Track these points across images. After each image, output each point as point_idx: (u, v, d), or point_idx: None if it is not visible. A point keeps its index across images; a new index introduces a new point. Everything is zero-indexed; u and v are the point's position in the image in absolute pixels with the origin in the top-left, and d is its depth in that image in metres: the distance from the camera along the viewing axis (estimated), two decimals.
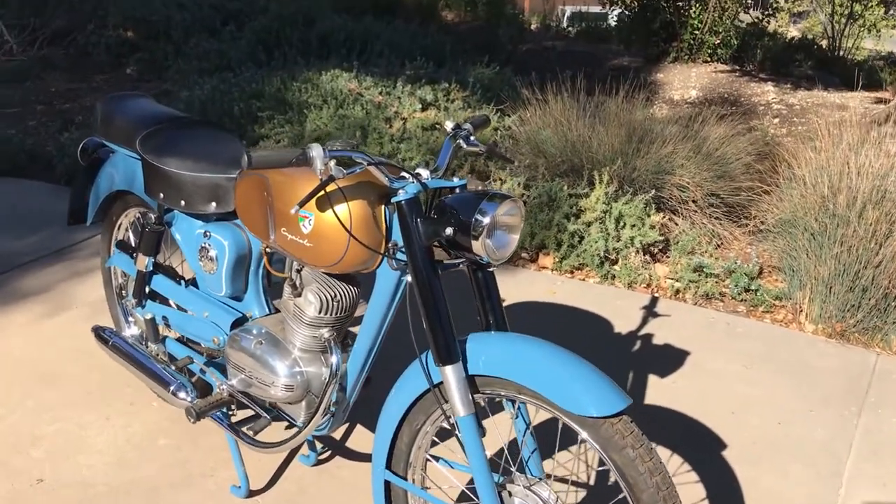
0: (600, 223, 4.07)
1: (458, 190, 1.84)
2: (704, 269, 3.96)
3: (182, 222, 2.38)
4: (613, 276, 4.00)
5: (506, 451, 1.96)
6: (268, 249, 2.15)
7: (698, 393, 3.03)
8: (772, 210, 4.09)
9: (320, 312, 2.02)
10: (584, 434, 1.64)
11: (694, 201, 4.27)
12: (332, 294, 2.02)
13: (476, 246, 1.67)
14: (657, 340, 3.41)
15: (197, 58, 6.75)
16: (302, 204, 1.65)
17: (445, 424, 1.86)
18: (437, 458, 1.97)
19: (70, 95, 6.97)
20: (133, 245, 2.61)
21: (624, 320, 3.54)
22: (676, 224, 4.33)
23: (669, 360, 3.27)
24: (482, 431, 1.76)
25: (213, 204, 2.21)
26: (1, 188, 4.79)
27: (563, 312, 3.60)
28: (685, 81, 9.05)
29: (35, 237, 3.99)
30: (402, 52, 6.36)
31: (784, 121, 7.56)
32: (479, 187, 1.79)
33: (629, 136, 4.54)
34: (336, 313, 2.04)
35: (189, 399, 2.31)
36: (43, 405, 2.77)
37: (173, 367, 2.30)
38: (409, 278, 1.77)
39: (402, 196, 1.74)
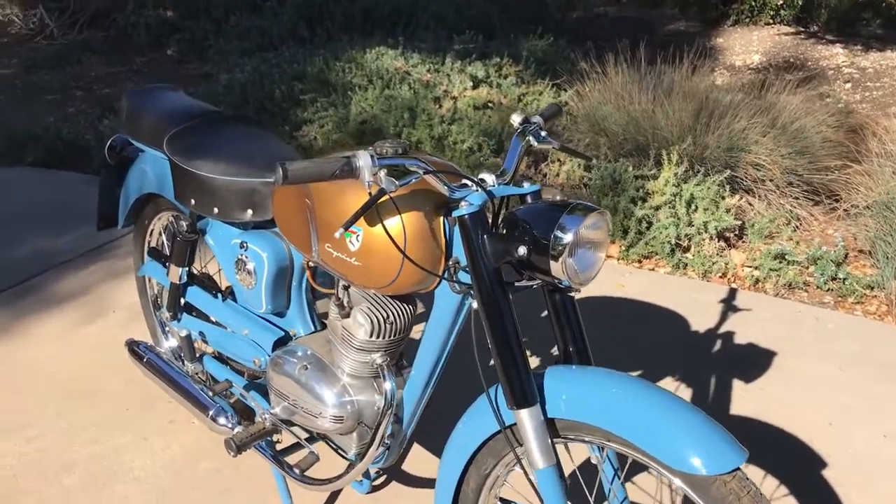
0: (670, 207, 3.76)
1: (529, 198, 1.57)
2: (786, 257, 3.63)
3: (216, 230, 2.14)
4: (685, 265, 3.68)
5: (591, 502, 1.69)
6: (310, 263, 1.91)
7: (790, 401, 2.72)
8: (861, 190, 3.72)
9: (371, 336, 1.77)
10: (690, 493, 1.37)
11: (771, 180, 3.92)
12: (385, 315, 1.76)
13: (555, 268, 1.40)
14: (740, 339, 3.10)
15: (237, 37, 6.52)
16: (347, 226, 1.39)
17: (519, 469, 1.60)
18: (509, 503, 1.72)
19: (110, 80, 6.80)
20: (166, 253, 2.38)
21: (701, 317, 3.24)
22: (752, 206, 3.98)
23: (755, 362, 2.96)
24: (564, 484, 1.50)
25: (250, 211, 1.97)
26: (38, 180, 4.63)
27: (634, 310, 3.30)
28: (747, 46, 8.58)
29: (72, 234, 3.81)
30: (448, 24, 6.04)
31: (857, 85, 7.09)
32: (556, 195, 1.50)
33: (697, 110, 4.20)
34: (389, 336, 1.78)
35: (229, 425, 2.09)
36: (77, 425, 2.58)
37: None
38: (473, 303, 1.51)
39: (464, 209, 1.48)
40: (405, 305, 1.80)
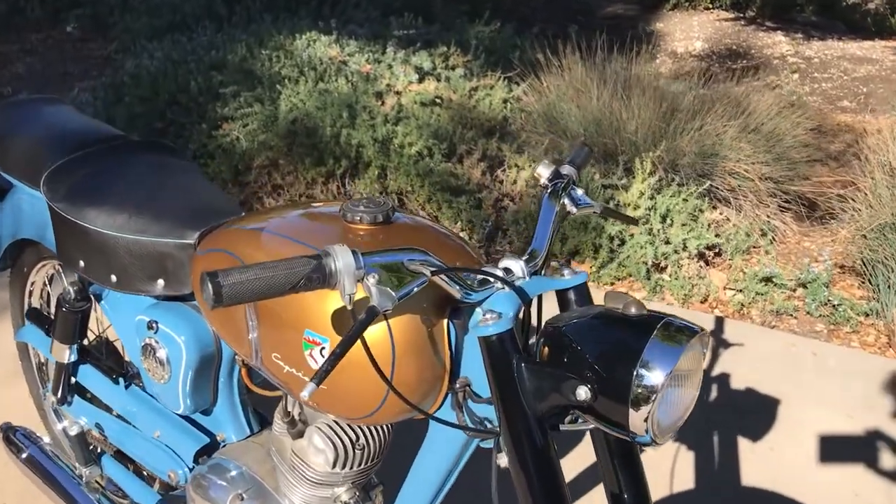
0: (644, 223, 3.35)
1: (573, 294, 1.10)
2: (773, 280, 3.26)
3: (116, 299, 1.61)
4: (662, 288, 3.29)
5: None
6: (245, 361, 1.40)
7: (804, 462, 2.35)
8: (861, 209, 3.36)
9: (334, 466, 1.28)
10: None
11: (752, 191, 3.55)
12: (352, 437, 1.28)
13: (635, 420, 0.94)
14: (736, 384, 2.71)
15: (146, 13, 5.83)
16: (322, 376, 0.90)
17: None
18: None
19: None
20: (50, 317, 1.83)
21: None
22: (728, 219, 3.61)
23: (756, 412, 2.58)
24: None
25: (161, 283, 1.45)
26: None
27: None
28: (687, 32, 8.29)
29: None
30: (382, 5, 5.50)
31: (805, 76, 6.85)
32: (620, 302, 1.03)
33: (664, 109, 3.79)
34: (358, 465, 1.30)
35: None
36: None
37: None
38: (501, 460, 1.04)
39: (490, 327, 1.00)
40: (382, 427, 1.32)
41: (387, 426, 1.32)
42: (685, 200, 3.40)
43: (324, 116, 3.63)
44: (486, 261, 1.17)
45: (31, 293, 1.95)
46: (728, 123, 3.73)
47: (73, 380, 1.79)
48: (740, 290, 3.30)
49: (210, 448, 1.54)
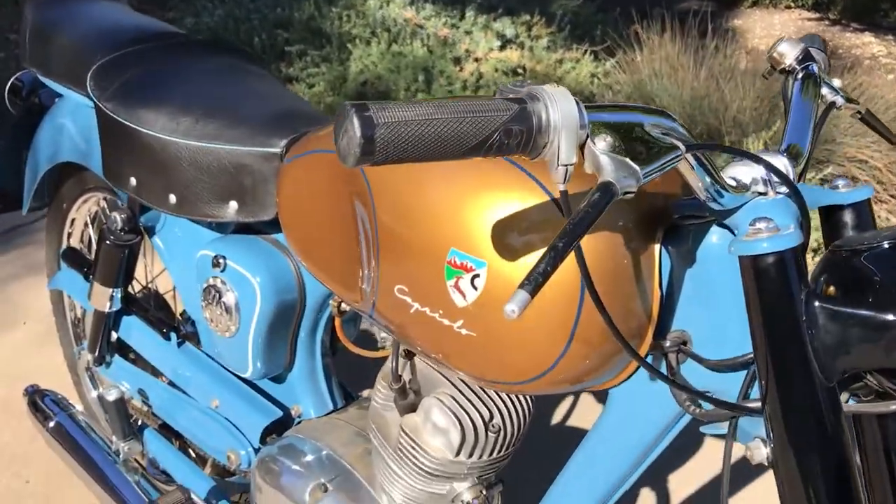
0: None
1: (848, 215, 0.74)
2: None
3: (174, 231, 1.29)
4: None
5: None
6: (343, 306, 1.06)
7: None
8: None
9: (458, 453, 0.94)
10: None
11: (879, 181, 3.15)
12: (486, 415, 0.94)
13: None
14: None
15: None
16: (533, 289, 0.55)
17: None
18: None
19: None
20: (89, 260, 1.50)
21: None
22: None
23: None
24: None
25: (233, 205, 1.12)
26: None
27: None
28: (768, 29, 7.83)
29: None
30: None
31: None
32: None
33: (773, 93, 3.40)
34: (490, 453, 0.96)
35: None
36: None
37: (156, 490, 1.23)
38: (755, 451, 0.68)
39: (767, 243, 0.63)
40: (517, 397, 0.97)
41: (528, 404, 0.98)
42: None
43: (397, 80, 3.30)
44: None
45: (69, 235, 1.64)
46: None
47: (113, 336, 1.47)
48: None
49: (282, 425, 1.21)
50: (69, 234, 1.64)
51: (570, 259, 0.71)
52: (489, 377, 0.81)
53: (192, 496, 1.23)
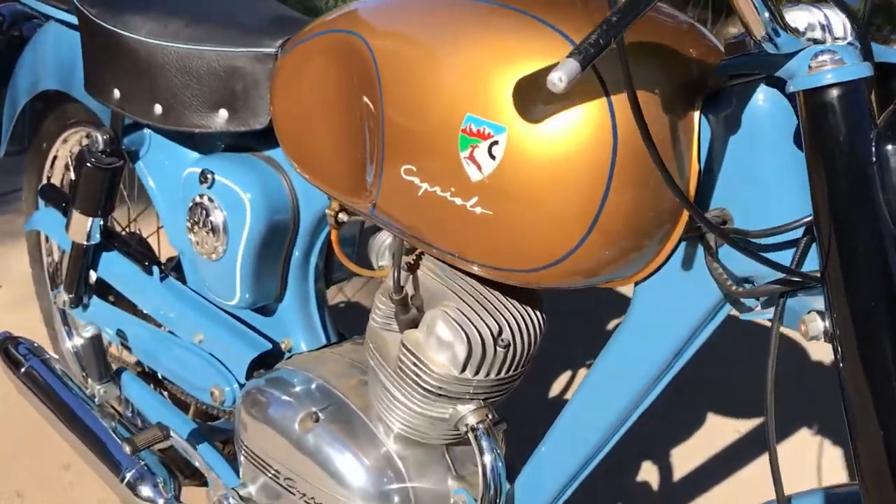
0: None
1: None
2: None
3: (158, 153, 1.22)
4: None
5: None
6: (341, 216, 0.98)
7: None
8: None
9: (464, 369, 0.86)
10: None
11: None
12: (494, 328, 0.86)
13: None
14: None
15: None
16: (585, 60, 0.48)
17: None
18: None
19: None
20: (67, 196, 1.42)
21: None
22: None
23: None
24: None
25: (223, 113, 1.04)
26: None
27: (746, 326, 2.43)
28: None
29: None
30: None
31: None
32: None
33: None
34: (498, 371, 0.88)
35: (160, 501, 1.17)
36: None
37: (129, 450, 1.14)
38: (806, 324, 0.61)
39: (833, 74, 0.56)
40: (528, 310, 0.90)
41: (539, 321, 0.90)
42: None
43: None
44: None
45: (49, 177, 1.55)
46: None
47: (92, 277, 1.38)
48: None
49: (270, 359, 1.13)
50: (49, 176, 1.56)
51: (602, 135, 0.65)
52: (501, 264, 0.73)
53: (172, 434, 1.14)
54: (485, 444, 0.89)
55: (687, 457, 1.81)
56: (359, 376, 1.03)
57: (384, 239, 0.99)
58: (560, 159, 0.66)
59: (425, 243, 0.78)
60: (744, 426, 1.97)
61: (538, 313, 0.91)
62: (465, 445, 0.99)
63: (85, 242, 1.29)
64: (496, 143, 0.67)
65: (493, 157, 0.67)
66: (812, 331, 0.59)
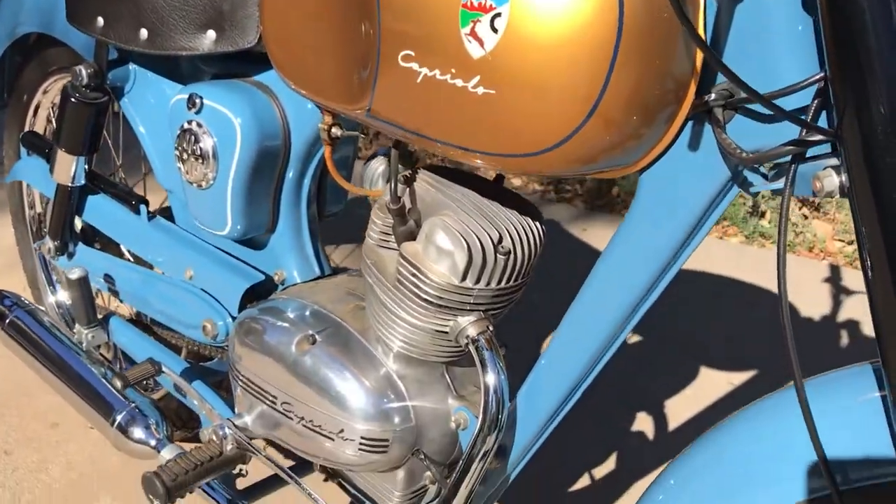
0: None
1: None
2: None
3: (143, 89, 1.19)
4: (762, 235, 2.84)
5: None
6: (334, 131, 0.96)
7: None
8: None
9: (464, 278, 0.84)
10: None
11: None
12: (494, 236, 0.84)
13: None
14: (867, 330, 2.25)
15: None
16: None
17: None
18: None
19: None
20: (50, 143, 1.39)
21: (808, 296, 2.38)
22: None
23: None
24: None
25: (210, 34, 1.02)
26: None
27: (716, 286, 2.43)
28: None
29: None
30: None
31: None
32: None
33: None
34: (499, 280, 0.86)
35: (152, 443, 1.14)
36: None
37: (120, 385, 1.12)
38: (821, 179, 0.60)
39: None
40: (528, 221, 0.88)
41: (539, 230, 0.89)
42: None
43: None
44: None
45: (32, 125, 1.52)
46: None
47: (78, 224, 1.36)
48: (850, 243, 2.85)
49: (263, 291, 1.11)
50: (32, 126, 1.52)
51: (608, 14, 0.63)
52: (503, 149, 0.71)
53: (164, 369, 1.12)
54: (486, 355, 0.87)
55: (679, 408, 1.81)
56: (356, 302, 1.01)
57: (377, 167, 0.98)
58: (564, 34, 0.64)
59: (424, 137, 0.77)
60: (737, 378, 1.98)
61: (537, 224, 0.89)
62: (465, 367, 0.98)
63: (70, 184, 1.26)
64: (499, 14, 0.65)
65: (495, 31, 0.66)
66: (827, 186, 0.58)
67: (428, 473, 0.99)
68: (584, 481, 1.56)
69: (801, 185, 0.62)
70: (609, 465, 1.63)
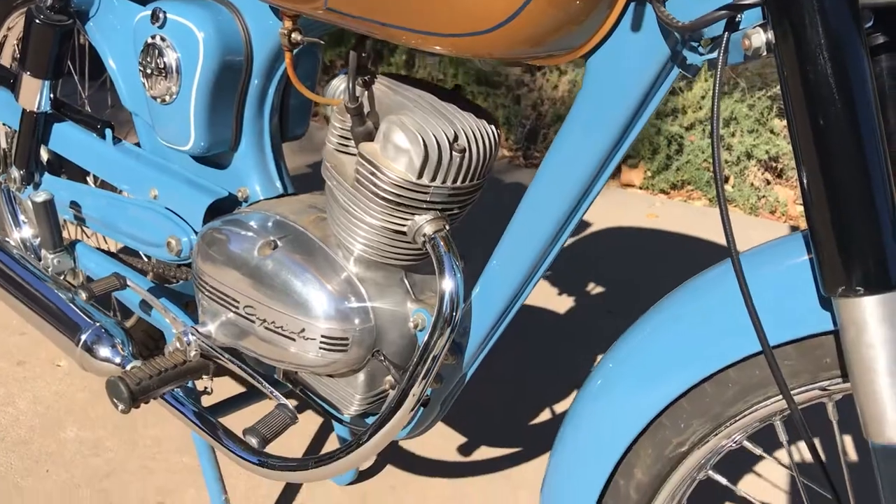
0: (704, 128, 2.96)
1: None
2: None
3: (108, 14, 1.20)
4: (726, 199, 2.89)
5: None
6: (294, 36, 0.98)
7: None
8: None
9: (421, 175, 0.87)
10: None
11: None
12: (449, 134, 0.87)
13: None
14: None
15: None
16: None
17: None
18: None
19: None
20: (15, 74, 1.39)
21: None
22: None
23: None
24: None
25: None
26: None
27: (677, 245, 2.48)
28: None
29: None
30: None
31: None
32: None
33: None
34: (454, 178, 0.89)
35: (116, 359, 1.16)
36: None
37: (85, 296, 1.13)
38: (750, 37, 0.63)
39: None
40: (483, 123, 0.91)
41: (493, 133, 0.91)
42: (751, 107, 3.01)
43: None
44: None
45: None
46: None
47: (44, 156, 1.37)
48: None
49: (227, 207, 1.13)
50: None
51: None
52: (454, 29, 0.74)
53: (129, 282, 1.14)
54: (442, 253, 0.90)
55: None
56: (318, 213, 1.03)
57: (338, 84, 1.00)
58: None
59: (383, 25, 0.79)
60: None
61: (492, 128, 0.92)
62: (424, 274, 1.01)
63: (36, 109, 1.27)
64: None
65: None
66: (755, 42, 0.61)
67: (388, 378, 1.02)
68: (545, 415, 1.60)
69: (733, 53, 0.65)
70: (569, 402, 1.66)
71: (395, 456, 1.45)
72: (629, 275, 2.15)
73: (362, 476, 1.40)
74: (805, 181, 0.61)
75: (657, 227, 2.57)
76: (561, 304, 1.98)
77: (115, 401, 1.03)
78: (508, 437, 1.51)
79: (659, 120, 2.95)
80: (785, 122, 3.13)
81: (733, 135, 2.99)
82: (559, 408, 1.61)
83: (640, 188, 2.94)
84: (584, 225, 2.48)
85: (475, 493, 1.39)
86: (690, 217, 2.69)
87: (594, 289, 2.11)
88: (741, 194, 2.87)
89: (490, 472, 1.43)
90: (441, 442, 1.49)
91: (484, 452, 1.48)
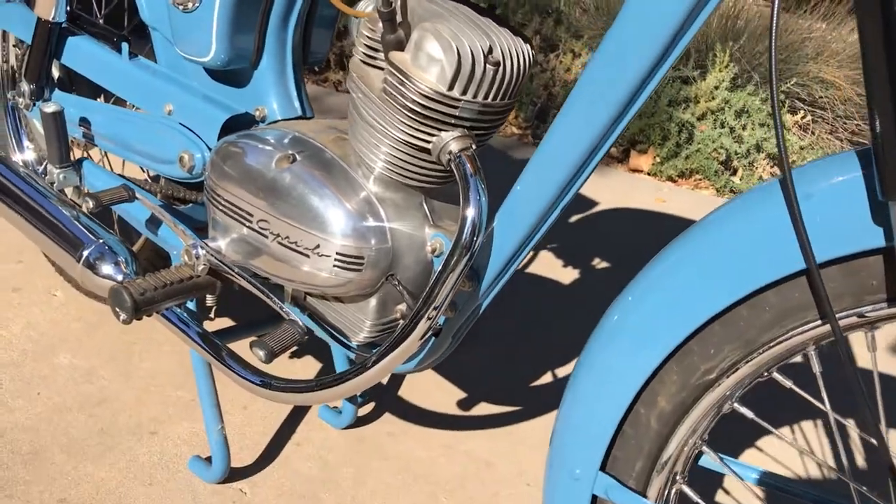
0: (716, 118, 2.94)
1: None
2: None
3: None
4: (732, 191, 2.87)
5: None
6: None
7: None
8: None
9: (452, 87, 0.84)
10: None
11: (841, 101, 3.14)
12: (486, 46, 0.84)
13: None
14: None
15: None
16: None
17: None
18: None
19: None
20: None
21: None
22: (809, 124, 3.20)
23: None
24: None
25: None
26: None
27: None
28: None
29: None
30: None
31: None
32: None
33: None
34: (486, 93, 0.86)
35: (119, 278, 1.12)
36: None
37: (92, 204, 1.10)
38: None
39: None
40: (519, 40, 0.88)
41: (528, 50, 0.89)
42: (763, 100, 2.99)
43: None
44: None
45: None
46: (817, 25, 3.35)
47: (53, 67, 1.33)
48: None
49: (243, 125, 1.10)
50: None
51: None
52: None
53: (138, 195, 1.10)
54: (467, 171, 0.87)
55: None
56: (338, 133, 1.00)
57: (368, 3, 0.96)
58: None
59: None
60: None
61: (527, 46, 0.89)
62: (444, 202, 0.98)
63: (52, 18, 1.23)
64: None
65: None
66: None
67: (399, 307, 0.99)
68: (547, 378, 1.57)
69: None
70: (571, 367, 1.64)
71: (393, 404, 1.42)
72: (637, 249, 2.12)
73: (360, 421, 1.37)
74: (871, 76, 0.58)
75: (666, 211, 2.54)
76: (566, 274, 1.96)
77: (118, 310, 1.00)
78: (511, 397, 1.48)
79: (671, 107, 2.93)
80: (796, 119, 3.11)
81: (744, 127, 2.97)
82: (561, 372, 1.58)
83: (648, 174, 2.91)
84: (592, 203, 2.45)
85: (477, 447, 1.36)
86: (699, 203, 2.66)
87: (599, 263, 2.09)
88: (749, 186, 2.85)
89: (491, 428, 1.40)
90: (441, 396, 1.46)
91: (484, 408, 1.45)
